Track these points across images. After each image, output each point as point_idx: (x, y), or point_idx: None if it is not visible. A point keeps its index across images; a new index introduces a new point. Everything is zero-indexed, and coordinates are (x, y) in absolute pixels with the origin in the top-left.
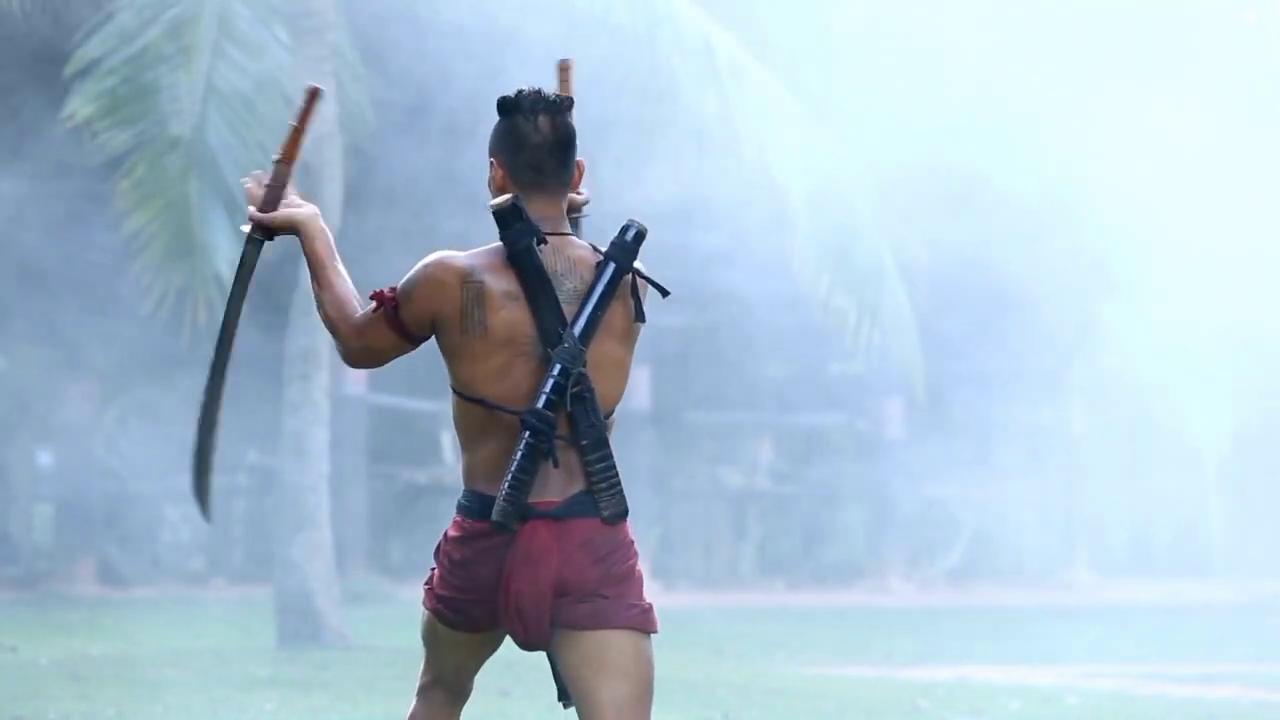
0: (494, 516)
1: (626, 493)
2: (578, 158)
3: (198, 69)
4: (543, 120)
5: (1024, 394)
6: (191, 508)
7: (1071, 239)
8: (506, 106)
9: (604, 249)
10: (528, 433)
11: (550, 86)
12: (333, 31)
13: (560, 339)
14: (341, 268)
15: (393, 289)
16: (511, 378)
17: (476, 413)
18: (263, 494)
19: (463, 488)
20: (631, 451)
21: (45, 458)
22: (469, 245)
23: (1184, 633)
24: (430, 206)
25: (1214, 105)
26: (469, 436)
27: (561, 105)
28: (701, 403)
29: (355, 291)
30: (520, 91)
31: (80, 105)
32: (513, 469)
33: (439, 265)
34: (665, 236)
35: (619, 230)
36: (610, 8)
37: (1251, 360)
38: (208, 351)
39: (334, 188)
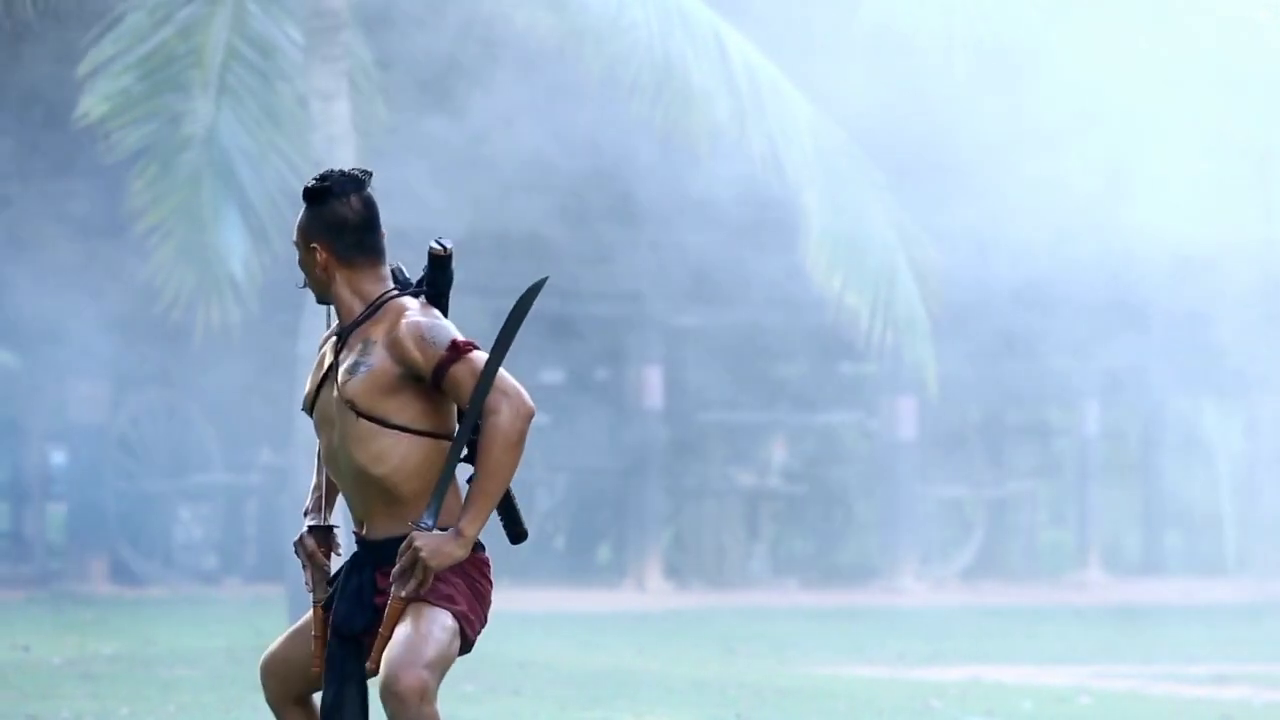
0: (524, 534)
1: (638, 491)
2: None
3: (211, 68)
4: (354, 200)
5: (1036, 394)
6: (203, 506)
7: (1091, 239)
8: (319, 194)
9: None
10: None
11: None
12: (346, 30)
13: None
14: (470, 485)
15: (465, 341)
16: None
17: (442, 450)
18: (276, 493)
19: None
20: (644, 451)
21: (58, 457)
22: (480, 241)
23: (1196, 633)
24: (441, 207)
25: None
26: (433, 477)
27: (364, 180)
28: (714, 403)
29: (488, 427)
30: (325, 177)
31: (93, 105)
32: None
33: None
34: (680, 236)
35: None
36: (623, 6)
37: (1264, 357)
38: (219, 351)
39: None
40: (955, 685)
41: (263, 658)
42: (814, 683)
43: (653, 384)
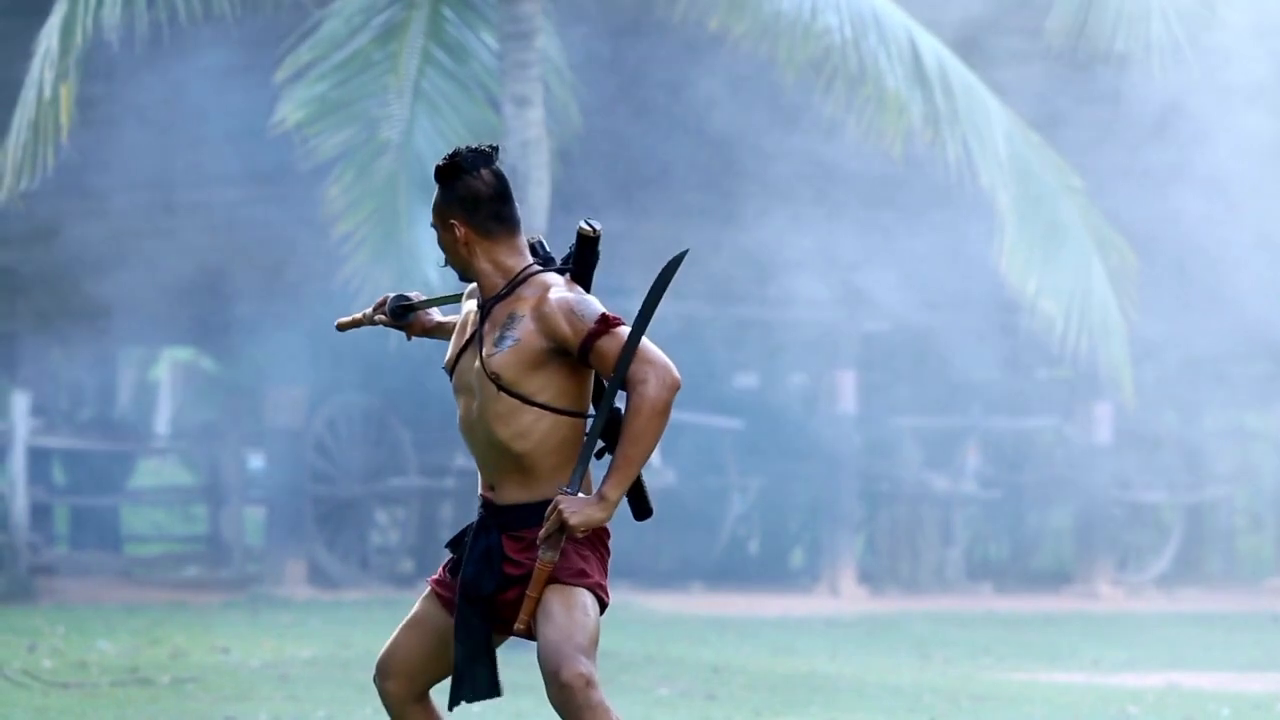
0: (650, 511)
1: (832, 495)
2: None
3: (406, 75)
4: (485, 173)
5: (1234, 399)
6: (399, 510)
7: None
8: (450, 171)
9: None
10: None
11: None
12: (540, 36)
13: None
14: (615, 452)
15: (613, 316)
16: None
17: (580, 428)
18: (470, 497)
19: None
20: (838, 456)
21: (256, 461)
22: (675, 247)
23: None
24: (639, 209)
25: None
26: (570, 454)
27: (492, 154)
28: (908, 407)
29: (631, 397)
30: (454, 155)
31: (290, 111)
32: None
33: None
34: (870, 242)
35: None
36: (817, 10)
37: None
38: (415, 355)
39: (541, 191)
40: (1152, 692)
41: (379, 659)
42: (1009, 689)
43: (846, 388)
